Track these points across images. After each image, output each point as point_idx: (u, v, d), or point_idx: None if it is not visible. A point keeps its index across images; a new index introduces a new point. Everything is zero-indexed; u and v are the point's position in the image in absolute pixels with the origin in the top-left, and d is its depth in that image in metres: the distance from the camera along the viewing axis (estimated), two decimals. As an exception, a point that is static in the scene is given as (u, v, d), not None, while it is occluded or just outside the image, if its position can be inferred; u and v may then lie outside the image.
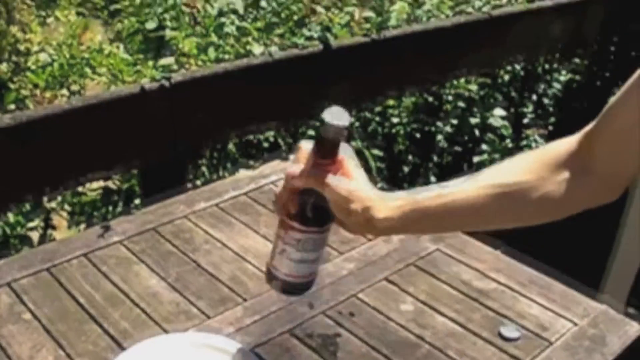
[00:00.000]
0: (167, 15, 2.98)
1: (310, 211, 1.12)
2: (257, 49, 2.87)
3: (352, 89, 2.45)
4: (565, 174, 1.10)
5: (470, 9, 3.21)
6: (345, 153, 1.11)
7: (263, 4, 3.13)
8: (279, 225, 1.15)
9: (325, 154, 1.09)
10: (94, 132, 2.25)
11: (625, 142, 1.08)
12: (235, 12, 2.89)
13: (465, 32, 2.95)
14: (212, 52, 2.80)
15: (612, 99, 1.08)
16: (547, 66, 3.86)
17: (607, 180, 1.11)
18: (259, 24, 3.03)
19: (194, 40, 2.79)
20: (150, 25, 2.84)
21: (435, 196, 1.12)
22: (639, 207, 2.64)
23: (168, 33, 2.91)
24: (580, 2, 3.67)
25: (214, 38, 2.88)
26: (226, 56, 2.91)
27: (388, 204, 1.11)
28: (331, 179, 1.09)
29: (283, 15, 3.16)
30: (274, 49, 2.64)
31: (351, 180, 1.10)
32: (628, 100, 1.06)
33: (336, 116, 1.07)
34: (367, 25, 2.67)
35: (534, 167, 1.11)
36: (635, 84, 1.05)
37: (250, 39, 2.90)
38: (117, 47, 3.19)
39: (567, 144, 1.13)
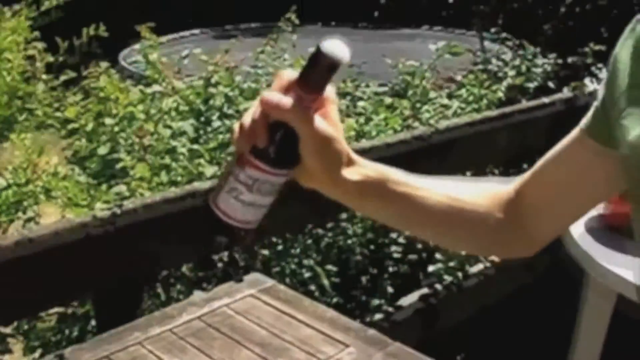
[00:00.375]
0: (120, 140, 3.04)
1: (278, 147, 0.98)
2: (209, 170, 2.93)
3: (301, 210, 2.50)
4: (501, 215, 1.15)
5: (416, 123, 3.31)
6: (328, 94, 0.99)
7: (215, 124, 3.20)
8: (236, 160, 1.00)
9: (313, 88, 0.96)
10: (44, 270, 2.26)
11: (549, 202, 1.13)
12: (186, 134, 2.95)
13: (414, 147, 3.04)
14: (164, 176, 2.84)
15: (548, 154, 1.13)
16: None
17: (527, 235, 1.16)
18: (211, 145, 3.10)
19: (147, 165, 2.84)
20: (103, 150, 2.89)
21: (403, 182, 1.08)
22: (591, 312, 2.68)
23: (120, 157, 2.96)
24: (526, 109, 3.81)
25: (166, 161, 2.93)
26: (179, 178, 2.95)
27: (359, 167, 1.04)
28: (315, 119, 0.97)
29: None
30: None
31: (331, 126, 0.99)
32: (559, 160, 1.12)
33: (336, 48, 0.93)
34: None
35: (488, 197, 1.16)
36: (564, 150, 1.11)
37: (202, 160, 2.96)
38: (72, 170, 3.22)
39: (507, 189, 1.18)
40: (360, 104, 3.37)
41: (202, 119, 3.25)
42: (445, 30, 9.93)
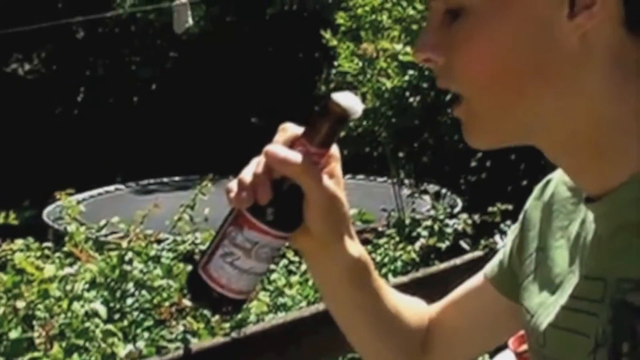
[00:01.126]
0: (34, 322, 3.02)
1: (280, 208, 0.87)
2: (122, 349, 2.92)
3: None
4: (418, 339, 1.13)
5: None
6: (334, 150, 0.93)
7: (129, 300, 3.21)
8: (231, 221, 0.89)
9: (321, 142, 0.87)
10: None
11: (452, 334, 1.14)
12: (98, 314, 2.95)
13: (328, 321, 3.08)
14: (76, 358, 2.82)
15: (456, 291, 1.14)
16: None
17: None
18: (125, 322, 3.10)
19: (60, 347, 2.82)
20: (14, 334, 2.87)
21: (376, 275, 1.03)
22: None
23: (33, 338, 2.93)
24: (438, 272, 3.92)
25: (80, 342, 2.91)
26: (92, 358, 2.93)
27: (357, 243, 0.98)
28: (323, 175, 0.90)
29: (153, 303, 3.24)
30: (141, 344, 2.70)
31: (337, 185, 0.93)
32: (465, 299, 1.13)
33: (347, 99, 0.86)
34: (227, 325, 2.77)
35: (419, 315, 1.14)
36: (470, 291, 1.12)
37: (115, 339, 2.95)
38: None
39: (428, 317, 1.16)
40: (273, 276, 3.44)
41: (117, 294, 3.26)
42: (367, 178, 10.19)
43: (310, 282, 3.54)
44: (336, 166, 0.93)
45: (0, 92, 13.50)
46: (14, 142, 13.50)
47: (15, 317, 2.97)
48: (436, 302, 1.18)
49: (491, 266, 1.09)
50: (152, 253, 3.44)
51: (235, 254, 0.87)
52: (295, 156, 0.87)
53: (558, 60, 0.76)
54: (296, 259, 4.12)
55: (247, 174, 0.89)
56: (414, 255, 4.40)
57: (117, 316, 3.20)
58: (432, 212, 4.92)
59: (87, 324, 2.93)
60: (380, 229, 4.77)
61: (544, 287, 0.93)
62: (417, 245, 4.51)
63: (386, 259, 4.34)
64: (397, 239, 4.54)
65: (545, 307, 0.91)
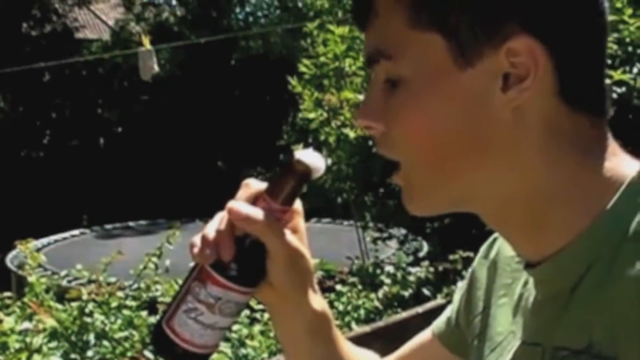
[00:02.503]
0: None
1: (244, 264, 0.87)
2: (82, 404, 2.90)
3: None
4: None
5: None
6: (297, 205, 0.92)
7: (89, 352, 3.19)
8: (195, 276, 0.88)
9: (284, 199, 0.87)
10: None
11: None
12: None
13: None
14: (35, 413, 2.79)
15: (406, 345, 1.14)
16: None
17: None
18: (86, 375, 3.08)
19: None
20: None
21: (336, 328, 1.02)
22: None
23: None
24: (401, 321, 3.95)
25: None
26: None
27: (320, 297, 0.97)
28: (286, 231, 0.89)
29: None
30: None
31: (300, 240, 0.92)
32: (411, 357, 1.12)
33: (311, 157, 0.87)
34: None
35: None
36: (418, 347, 1.11)
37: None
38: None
39: None
40: (236, 327, 3.43)
41: (78, 345, 3.24)
42: (334, 221, 10.20)
43: (272, 333, 3.54)
44: (299, 221, 0.94)
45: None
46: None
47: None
48: (389, 356, 1.18)
49: (439, 323, 1.10)
50: (114, 304, 3.42)
51: (198, 309, 0.87)
52: (258, 213, 0.87)
53: (492, 132, 0.78)
54: (259, 307, 4.11)
55: (210, 230, 0.88)
56: (377, 303, 4.43)
57: (77, 369, 3.18)
58: (395, 259, 4.96)
59: (46, 378, 2.90)
60: (344, 277, 4.78)
61: (488, 347, 0.94)
62: (380, 293, 4.54)
63: (349, 307, 4.36)
64: (360, 287, 4.56)
65: None
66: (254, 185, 0.90)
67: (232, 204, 0.88)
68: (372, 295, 4.50)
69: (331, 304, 4.40)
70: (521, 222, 0.81)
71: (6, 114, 15.59)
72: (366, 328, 3.83)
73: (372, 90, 0.82)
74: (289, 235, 0.90)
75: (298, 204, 0.93)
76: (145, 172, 14.88)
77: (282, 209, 0.88)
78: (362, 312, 4.33)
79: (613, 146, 0.81)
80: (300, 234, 0.93)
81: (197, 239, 0.89)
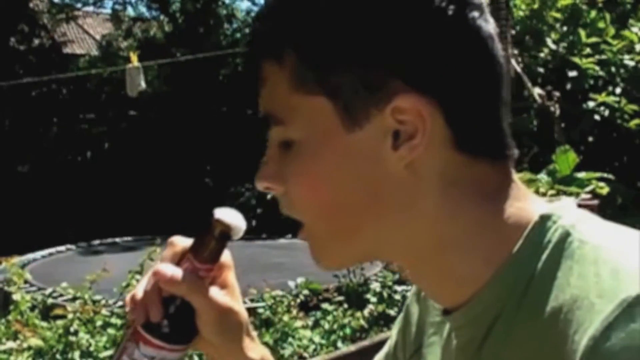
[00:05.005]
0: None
1: (172, 323, 0.89)
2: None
3: None
4: None
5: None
6: (224, 258, 0.92)
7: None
8: (128, 336, 0.91)
9: (206, 258, 0.89)
10: None
11: None
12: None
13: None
14: None
15: None
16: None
17: None
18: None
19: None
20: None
21: None
22: None
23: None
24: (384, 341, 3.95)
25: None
26: None
27: (258, 345, 0.98)
28: (212, 291, 0.90)
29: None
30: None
31: (228, 295, 0.93)
32: None
33: (230, 216, 0.88)
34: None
35: None
36: None
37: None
38: None
39: None
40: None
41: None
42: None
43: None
44: (228, 275, 0.94)
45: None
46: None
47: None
48: None
49: (379, 357, 1.09)
50: (99, 322, 3.42)
51: None
52: (181, 275, 0.88)
53: (389, 189, 0.78)
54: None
55: (139, 291, 0.90)
56: (362, 322, 4.43)
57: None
58: (381, 277, 4.96)
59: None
60: (329, 295, 4.78)
61: None
62: (366, 311, 4.54)
63: (335, 326, 4.36)
64: (346, 305, 4.57)
65: None
66: (179, 243, 0.91)
67: (156, 267, 0.89)
68: (358, 314, 4.50)
69: (317, 323, 4.41)
70: (429, 273, 0.82)
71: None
72: (352, 347, 3.83)
73: (270, 153, 0.83)
74: (215, 293, 0.90)
75: (227, 258, 0.93)
76: (132, 188, 14.84)
77: (206, 267, 0.89)
78: (348, 330, 4.33)
79: (518, 189, 0.81)
80: (230, 288, 0.94)
81: (128, 298, 0.90)
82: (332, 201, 0.79)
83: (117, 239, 10.74)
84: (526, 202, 0.81)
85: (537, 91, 7.25)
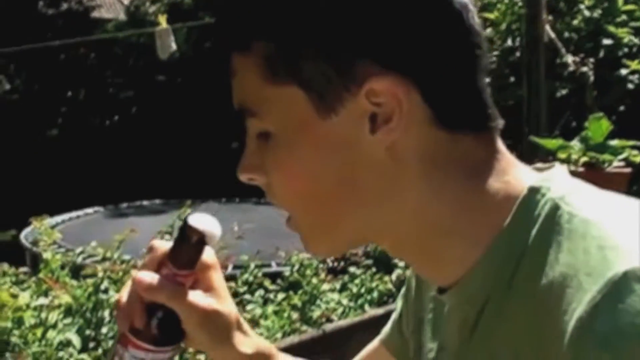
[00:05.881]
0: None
1: (158, 327, 0.90)
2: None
3: None
4: None
5: (305, 327, 3.39)
6: (207, 259, 0.92)
7: (104, 329, 3.21)
8: (118, 338, 0.93)
9: (184, 264, 0.89)
10: None
11: None
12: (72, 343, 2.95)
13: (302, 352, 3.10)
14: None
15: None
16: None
17: None
18: (100, 351, 3.09)
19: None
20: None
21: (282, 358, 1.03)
22: None
23: None
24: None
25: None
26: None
27: (251, 339, 0.99)
28: (190, 296, 0.90)
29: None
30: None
31: (212, 296, 0.93)
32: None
33: (205, 222, 0.88)
34: (202, 357, 2.77)
35: None
36: (369, 355, 1.11)
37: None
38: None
39: None
40: (249, 307, 3.45)
41: (93, 322, 3.25)
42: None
43: (285, 314, 3.55)
44: (212, 276, 0.94)
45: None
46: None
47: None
48: None
49: (385, 329, 1.10)
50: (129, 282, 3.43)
51: None
52: (160, 283, 0.88)
53: (369, 175, 0.76)
54: (273, 287, 4.13)
55: (124, 297, 0.91)
56: (390, 286, 4.42)
57: (91, 345, 3.19)
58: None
59: (61, 354, 2.92)
60: (357, 259, 4.78)
61: None
62: (394, 275, 4.53)
63: (363, 290, 4.36)
64: (374, 269, 4.56)
65: None
66: (159, 248, 0.90)
67: (136, 274, 0.90)
68: (386, 278, 4.50)
69: (345, 286, 4.41)
70: (417, 256, 0.81)
71: (21, 93, 15.64)
72: (379, 310, 3.83)
73: (249, 144, 0.82)
74: (196, 297, 0.90)
75: (211, 258, 0.93)
76: (160, 152, 14.90)
77: (184, 273, 0.89)
78: (375, 294, 4.33)
79: (506, 161, 0.80)
80: (215, 289, 0.93)
81: (116, 303, 0.91)
82: (312, 192, 0.78)
83: (145, 202, 10.80)
84: (514, 174, 0.79)
85: (570, 58, 7.13)
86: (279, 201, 0.82)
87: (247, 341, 0.98)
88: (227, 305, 0.94)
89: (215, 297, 0.93)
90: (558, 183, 0.78)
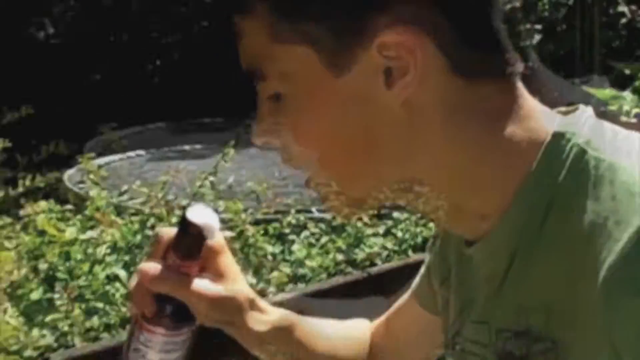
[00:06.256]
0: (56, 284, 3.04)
1: (169, 314, 0.94)
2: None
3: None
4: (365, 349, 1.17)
5: (349, 269, 3.38)
6: (214, 244, 0.94)
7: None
8: (134, 321, 0.96)
9: (187, 255, 0.92)
10: None
11: (395, 347, 1.17)
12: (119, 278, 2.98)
13: (346, 293, 3.09)
14: (96, 320, 2.83)
15: (394, 306, 1.17)
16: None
17: None
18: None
19: (79, 309, 2.84)
20: (35, 295, 2.89)
21: (306, 327, 1.07)
22: None
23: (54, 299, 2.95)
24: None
25: (100, 305, 2.93)
26: (112, 321, 2.94)
27: (266, 316, 1.01)
28: (195, 284, 0.92)
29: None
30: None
31: (220, 282, 0.95)
32: (399, 313, 1.16)
33: (202, 214, 0.91)
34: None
35: (358, 339, 1.18)
36: (402, 306, 1.15)
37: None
38: (5, 311, 3.18)
39: (370, 334, 1.20)
40: (294, 247, 3.45)
41: (138, 259, 3.27)
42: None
43: (330, 255, 3.55)
44: (220, 261, 0.95)
45: (20, 57, 13.52)
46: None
47: (37, 278, 3.00)
48: (380, 318, 1.22)
49: (415, 282, 1.13)
50: (174, 220, 3.44)
51: (141, 350, 0.95)
52: (164, 274, 0.91)
53: (389, 129, 0.75)
54: (317, 230, 4.12)
55: (133, 285, 0.94)
56: (434, 232, 4.38)
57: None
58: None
59: (107, 288, 2.94)
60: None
61: (450, 317, 0.96)
62: (438, 222, 4.49)
63: (407, 235, 4.34)
64: (418, 215, 4.52)
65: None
66: (165, 236, 0.93)
67: (141, 266, 0.93)
68: (430, 224, 4.46)
69: (388, 231, 4.38)
70: (443, 209, 0.81)
71: (63, 37, 15.71)
72: (423, 255, 3.80)
73: (261, 108, 0.81)
74: (202, 285, 0.92)
75: (219, 242, 0.94)
76: (204, 99, 14.93)
77: (187, 263, 0.92)
78: (419, 240, 4.31)
79: (528, 106, 0.78)
80: (224, 273, 0.95)
81: (132, 282, 0.94)
82: (329, 150, 0.77)
83: (186, 147, 10.86)
84: (537, 119, 0.77)
85: (626, 7, 6.95)
86: (297, 162, 0.81)
87: (262, 318, 1.00)
88: (236, 288, 0.96)
89: (223, 282, 0.95)
90: (583, 127, 0.76)
